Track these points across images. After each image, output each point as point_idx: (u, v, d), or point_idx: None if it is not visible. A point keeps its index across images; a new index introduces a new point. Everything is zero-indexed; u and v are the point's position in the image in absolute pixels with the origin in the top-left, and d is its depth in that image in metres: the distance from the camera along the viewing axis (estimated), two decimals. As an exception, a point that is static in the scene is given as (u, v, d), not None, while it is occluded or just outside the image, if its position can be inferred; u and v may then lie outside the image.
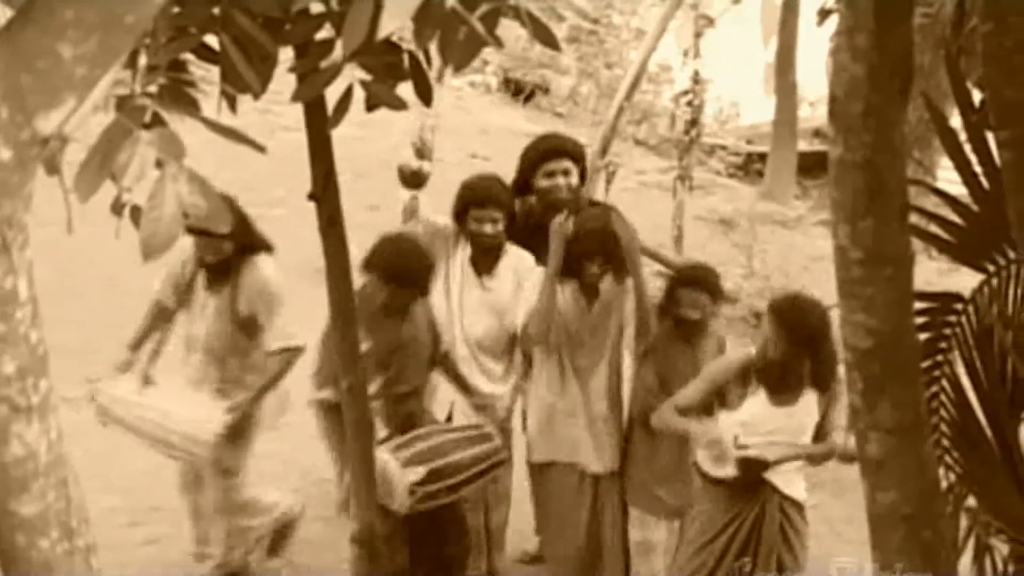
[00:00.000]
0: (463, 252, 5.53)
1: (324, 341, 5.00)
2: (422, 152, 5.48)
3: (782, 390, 4.84)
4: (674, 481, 5.28)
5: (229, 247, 5.11)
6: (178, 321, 5.42)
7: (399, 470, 4.90)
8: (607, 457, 5.31)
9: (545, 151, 5.57)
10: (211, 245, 5.06)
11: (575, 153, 5.59)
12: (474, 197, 5.46)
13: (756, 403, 4.85)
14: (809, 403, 4.86)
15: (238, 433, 5.21)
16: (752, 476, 4.81)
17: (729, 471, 4.84)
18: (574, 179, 5.49)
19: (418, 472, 4.93)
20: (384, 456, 4.79)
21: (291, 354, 5.21)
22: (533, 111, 15.71)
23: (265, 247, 5.26)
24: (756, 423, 4.83)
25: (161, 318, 5.41)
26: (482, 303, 5.50)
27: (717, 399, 4.93)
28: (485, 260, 5.53)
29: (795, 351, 4.74)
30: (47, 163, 2.15)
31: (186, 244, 5.20)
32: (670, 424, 4.98)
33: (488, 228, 5.43)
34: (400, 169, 5.51)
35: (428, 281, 5.20)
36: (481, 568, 5.60)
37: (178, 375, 5.37)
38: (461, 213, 5.48)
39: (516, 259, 5.53)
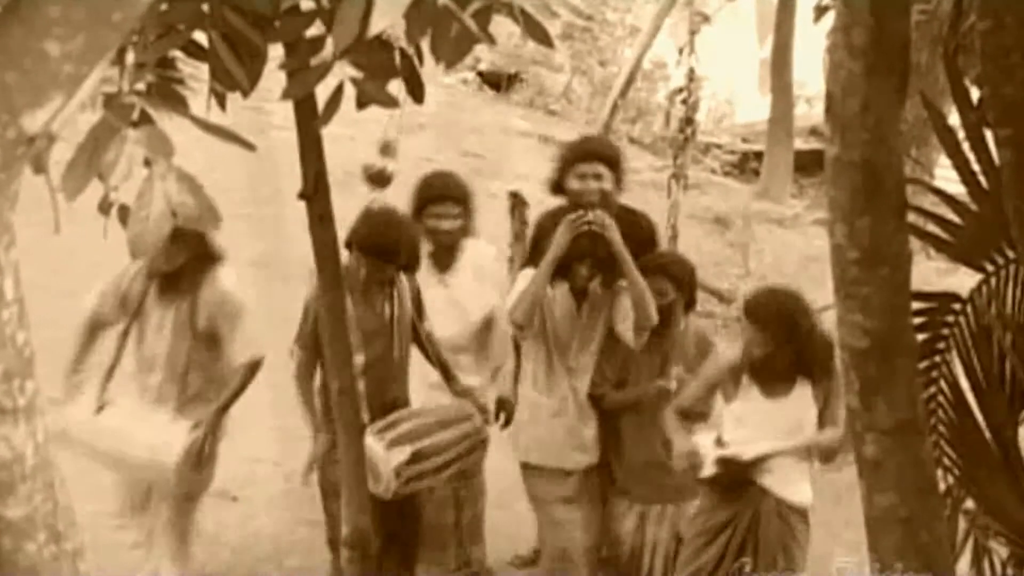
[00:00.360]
0: (424, 250, 5.56)
1: (307, 307, 5.08)
2: (387, 150, 5.48)
3: (772, 382, 4.86)
4: (640, 480, 5.31)
5: (182, 256, 5.03)
6: (128, 339, 5.28)
7: (384, 452, 4.90)
8: (592, 454, 5.33)
9: (578, 153, 5.60)
10: (165, 253, 4.94)
11: (609, 158, 5.57)
12: (431, 193, 5.54)
13: (748, 397, 4.87)
14: (803, 396, 4.86)
15: (202, 453, 5.13)
16: (734, 475, 4.83)
17: (709, 470, 4.87)
18: (607, 184, 5.46)
19: (404, 452, 4.94)
20: (367, 439, 4.79)
21: (254, 366, 5.16)
22: (526, 109, 15.69)
23: (220, 257, 5.18)
24: (748, 417, 4.85)
25: (98, 336, 5.27)
26: (445, 301, 5.55)
27: (722, 393, 4.96)
28: (445, 256, 5.60)
29: (777, 346, 4.76)
30: (34, 162, 2.15)
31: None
32: (666, 427, 5.01)
33: (446, 224, 5.51)
34: (365, 169, 5.53)
35: (411, 256, 5.20)
36: (449, 565, 5.60)
37: (134, 396, 5.26)
38: (419, 210, 5.53)
39: (475, 253, 5.62)
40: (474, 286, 5.53)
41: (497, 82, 16.23)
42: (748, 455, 4.80)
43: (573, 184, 5.49)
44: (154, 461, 5.00)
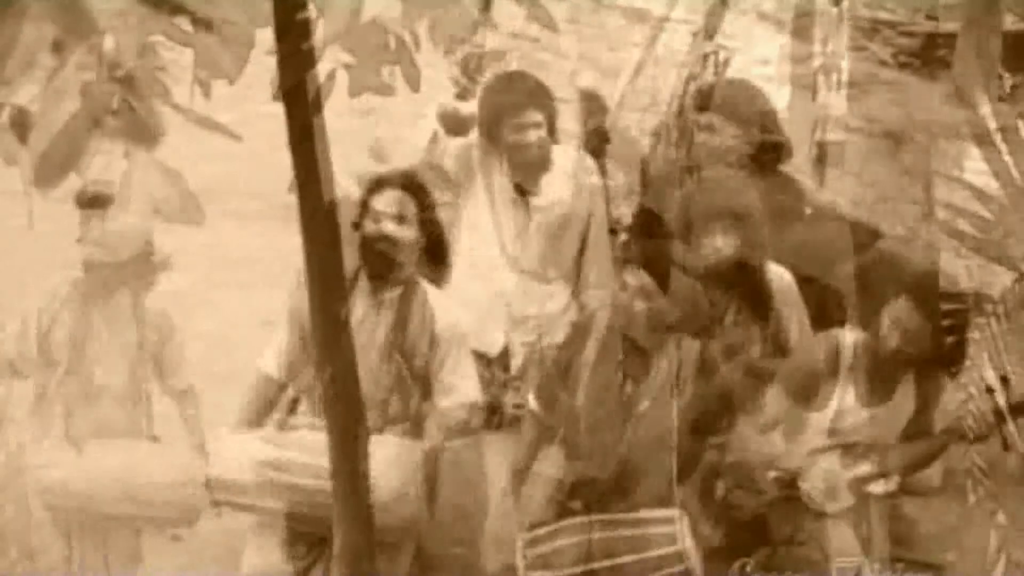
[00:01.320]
0: None
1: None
2: (380, 155, 5.48)
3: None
4: None
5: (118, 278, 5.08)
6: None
7: None
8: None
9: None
10: (118, 273, 5.00)
11: None
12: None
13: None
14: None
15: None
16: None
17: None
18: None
19: None
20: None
21: (189, 393, 5.23)
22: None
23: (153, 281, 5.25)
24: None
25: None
26: None
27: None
28: None
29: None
30: (6, 152, 2.16)
31: (51, 286, 5.16)
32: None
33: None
34: (359, 178, 5.52)
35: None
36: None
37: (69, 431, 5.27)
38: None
39: None
40: None
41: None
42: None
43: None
44: (181, 486, 5.08)
